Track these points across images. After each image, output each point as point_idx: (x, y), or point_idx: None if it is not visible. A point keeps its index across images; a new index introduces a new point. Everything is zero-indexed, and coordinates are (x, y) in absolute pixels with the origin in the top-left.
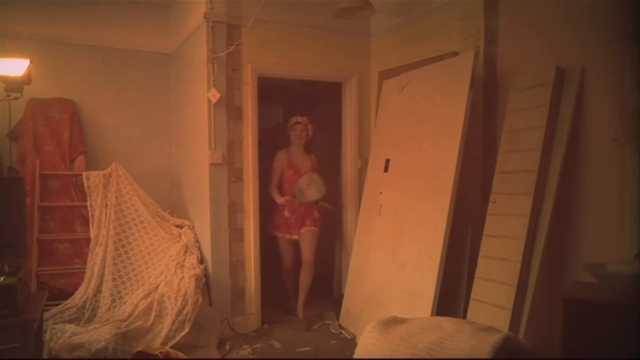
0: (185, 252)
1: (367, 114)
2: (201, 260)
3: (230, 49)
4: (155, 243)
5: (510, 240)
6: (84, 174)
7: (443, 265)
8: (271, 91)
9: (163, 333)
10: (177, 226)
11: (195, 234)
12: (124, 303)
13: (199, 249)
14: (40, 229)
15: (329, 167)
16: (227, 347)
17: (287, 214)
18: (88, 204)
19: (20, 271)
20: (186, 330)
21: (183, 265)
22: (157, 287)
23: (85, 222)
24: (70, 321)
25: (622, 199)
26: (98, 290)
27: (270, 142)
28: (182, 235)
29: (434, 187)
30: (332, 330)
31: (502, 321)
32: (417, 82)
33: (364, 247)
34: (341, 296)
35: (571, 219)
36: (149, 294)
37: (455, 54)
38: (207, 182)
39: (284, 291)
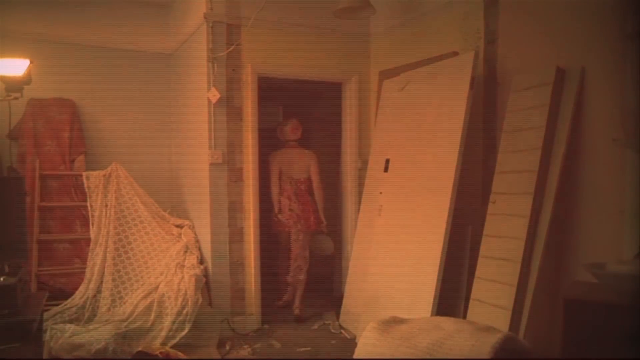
0: (185, 252)
1: (367, 114)
2: (201, 260)
3: (230, 49)
4: (155, 243)
5: (510, 240)
6: (84, 174)
7: (443, 265)
8: (271, 91)
9: (163, 333)
10: (177, 226)
11: (195, 234)
12: (124, 303)
13: (199, 249)
14: (40, 229)
15: (329, 167)
16: (227, 347)
17: None
18: (88, 204)
19: (20, 271)
20: (186, 330)
21: (183, 265)
22: (157, 287)
23: (85, 222)
24: (70, 321)
25: (622, 199)
26: (98, 290)
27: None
28: (182, 235)
29: (434, 187)
30: (332, 330)
31: (502, 321)
32: (417, 82)
33: (363, 247)
34: (341, 296)
35: (571, 219)
36: (149, 294)
37: (455, 54)
38: (207, 182)
39: None
